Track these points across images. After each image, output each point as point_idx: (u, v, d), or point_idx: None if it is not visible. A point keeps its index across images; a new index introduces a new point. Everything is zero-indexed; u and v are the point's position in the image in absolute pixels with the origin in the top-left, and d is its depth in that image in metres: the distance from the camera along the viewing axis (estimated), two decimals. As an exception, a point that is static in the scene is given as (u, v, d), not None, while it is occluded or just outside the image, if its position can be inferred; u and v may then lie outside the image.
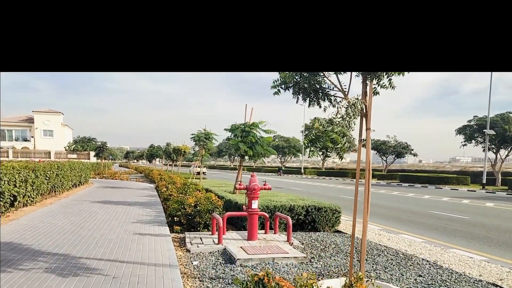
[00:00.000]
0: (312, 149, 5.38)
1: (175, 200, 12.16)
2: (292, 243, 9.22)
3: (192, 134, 24.14)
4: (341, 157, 5.59)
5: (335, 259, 8.11)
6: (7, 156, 56.33)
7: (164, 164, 57.48)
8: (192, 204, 10.95)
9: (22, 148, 67.93)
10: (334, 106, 6.22)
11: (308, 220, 11.50)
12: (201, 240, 9.22)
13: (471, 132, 42.68)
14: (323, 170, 68.64)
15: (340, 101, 5.92)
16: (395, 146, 58.12)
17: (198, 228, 10.52)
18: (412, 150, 58.46)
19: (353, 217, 6.10)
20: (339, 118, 5.54)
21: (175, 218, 10.93)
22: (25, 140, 72.02)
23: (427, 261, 8.26)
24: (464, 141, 43.61)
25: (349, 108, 5.57)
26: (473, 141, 42.98)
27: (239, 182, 9.56)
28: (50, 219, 11.52)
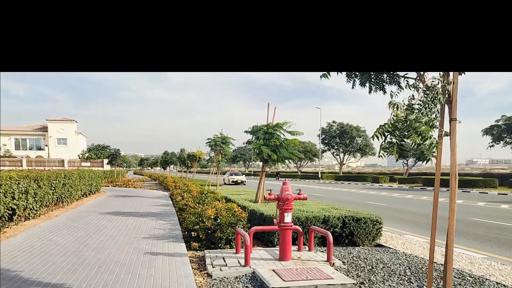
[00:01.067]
0: (386, 145, 3.88)
1: (191, 211, 10.70)
2: (334, 263, 7.69)
3: (208, 139, 22.80)
4: (427, 160, 4.10)
5: (390, 285, 6.56)
6: (21, 165, 55.69)
7: (178, 171, 56.32)
8: (212, 217, 9.50)
9: (36, 157, 67.39)
10: (402, 90, 4.77)
11: (345, 233, 9.96)
12: (224, 260, 7.75)
13: (499, 132, 40.54)
14: (341, 174, 66.81)
15: (414, 84, 4.45)
16: (415, 149, 55.86)
17: (219, 245, 9.06)
18: (434, 152, 56.06)
19: (431, 237, 4.62)
20: (418, 103, 4.08)
21: (192, 232, 9.47)
22: (39, 149, 71.56)
23: None
24: (492, 142, 41.51)
25: (430, 92, 4.10)
26: (501, 141, 40.85)
27: (269, 192, 8.07)
28: (50, 235, 10.16)
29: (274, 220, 7.92)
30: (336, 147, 71.06)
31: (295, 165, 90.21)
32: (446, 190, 37.65)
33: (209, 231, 9.23)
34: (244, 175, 49.66)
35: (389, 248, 9.79)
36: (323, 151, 71.83)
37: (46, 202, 14.11)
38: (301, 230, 8.59)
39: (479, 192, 34.06)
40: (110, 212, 15.39)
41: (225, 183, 43.64)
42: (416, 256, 8.91)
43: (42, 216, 13.76)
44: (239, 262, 7.59)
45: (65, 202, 17.19)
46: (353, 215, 10.07)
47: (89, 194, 22.46)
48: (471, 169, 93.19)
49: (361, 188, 40.69)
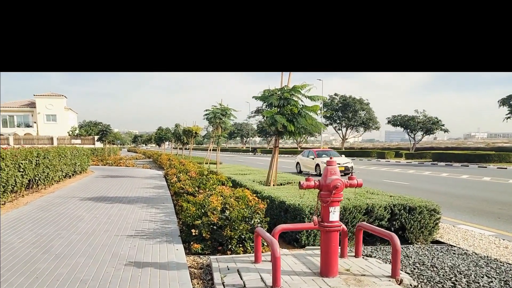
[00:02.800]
0: None
1: (191, 200, 8.22)
2: (402, 279, 5.27)
3: (206, 111, 20.20)
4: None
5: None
6: (8, 144, 52.91)
7: (173, 148, 53.78)
8: (218, 208, 7.05)
9: (24, 134, 64.60)
10: None
11: (395, 227, 7.55)
12: (240, 275, 5.34)
13: None
14: (343, 150, 64.44)
15: None
16: (424, 122, 53.53)
17: (230, 246, 6.66)
18: (443, 125, 53.75)
19: None
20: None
21: (193, 230, 7.03)
22: (28, 126, 68.52)
23: None
24: (509, 113, 39.03)
25: None
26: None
27: (307, 177, 5.54)
28: (6, 234, 7.69)
29: (314, 217, 5.44)
30: (338, 121, 68.32)
31: (294, 140, 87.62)
32: (461, 165, 35.41)
33: (215, 227, 6.80)
34: (350, 160, 27.82)
35: (452, 246, 7.41)
36: (325, 125, 68.91)
37: (13, 187, 11.59)
38: (346, 229, 6.13)
39: (497, 168, 31.77)
40: (92, 198, 12.91)
41: (300, 172, 27.62)
42: (497, 259, 6.52)
43: (7, 204, 11.26)
44: (262, 279, 5.16)
45: (42, 185, 14.68)
46: (403, 203, 7.66)
47: (73, 175, 19.94)
48: (473, 143, 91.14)
49: (369, 165, 38.35)
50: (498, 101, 40.19)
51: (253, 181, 12.77)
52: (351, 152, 59.16)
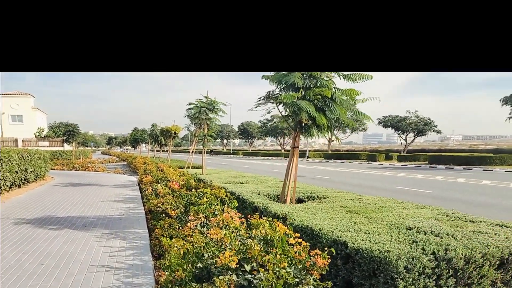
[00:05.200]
0: None
1: (178, 244, 4.65)
2: None
3: (189, 105, 16.67)
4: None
5: None
6: (-34, 146, 48.05)
7: (150, 150, 49.65)
8: (233, 265, 3.61)
9: (-13, 136, 59.50)
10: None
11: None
12: None
13: None
14: (330, 152, 61.49)
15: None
16: (416, 122, 50.81)
17: None
18: (435, 126, 51.18)
19: None
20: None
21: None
22: (-9, 127, 63.33)
23: None
24: (512, 112, 36.42)
25: None
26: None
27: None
28: None
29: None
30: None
31: (278, 142, 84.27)
32: (462, 169, 32.68)
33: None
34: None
35: None
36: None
37: None
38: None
39: (505, 171, 29.06)
40: (33, 220, 9.25)
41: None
42: None
43: None
44: None
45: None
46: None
47: (23, 183, 16.06)
48: (455, 145, 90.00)
49: (366, 168, 35.19)
50: (501, 100, 37.68)
51: (259, 194, 9.35)
52: (338, 155, 56.27)
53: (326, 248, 4.71)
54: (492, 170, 30.14)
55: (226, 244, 4.07)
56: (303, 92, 7.38)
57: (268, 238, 3.94)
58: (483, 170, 30.82)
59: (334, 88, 7.61)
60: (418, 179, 22.96)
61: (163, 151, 38.46)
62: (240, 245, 3.92)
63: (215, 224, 5.60)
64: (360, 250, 4.21)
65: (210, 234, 4.88)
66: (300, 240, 4.01)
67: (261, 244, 4.05)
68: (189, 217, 6.40)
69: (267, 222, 4.71)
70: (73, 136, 34.24)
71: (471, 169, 31.68)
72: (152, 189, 10.36)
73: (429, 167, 36.01)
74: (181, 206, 7.37)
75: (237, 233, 4.97)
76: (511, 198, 14.43)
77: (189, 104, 16.74)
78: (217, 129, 23.20)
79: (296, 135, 8.24)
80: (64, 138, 35.34)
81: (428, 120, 51.05)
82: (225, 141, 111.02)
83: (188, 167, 24.75)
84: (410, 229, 5.08)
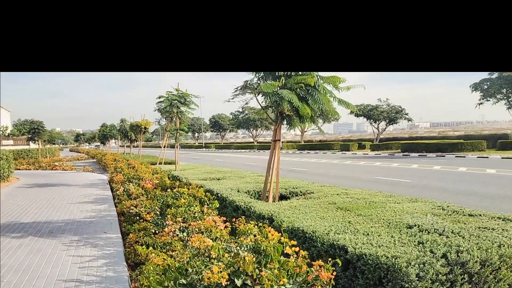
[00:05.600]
0: None
1: (164, 263, 4.08)
2: None
3: (160, 98, 15.97)
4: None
5: None
6: None
7: (120, 146, 48.30)
8: (223, 282, 3.10)
9: None
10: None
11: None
12: None
13: (496, 87, 35.36)
14: (303, 143, 61.46)
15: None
16: (388, 111, 51.09)
17: None
18: (407, 114, 51.66)
19: None
20: None
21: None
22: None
23: None
24: (483, 99, 36.97)
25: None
26: (490, 99, 36.28)
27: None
28: None
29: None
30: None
31: (251, 134, 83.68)
32: (435, 156, 32.99)
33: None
34: None
35: None
36: (283, 118, 64.55)
37: None
38: None
39: (478, 157, 29.45)
40: (-6, 227, 8.48)
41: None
42: None
43: None
44: None
45: None
46: None
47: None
48: (424, 132, 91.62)
49: (340, 158, 35.13)
50: (470, 86, 38.21)
51: (238, 192, 8.86)
52: (311, 146, 56.29)
53: (322, 254, 4.27)
54: (464, 157, 30.50)
55: (213, 256, 3.55)
56: (284, 81, 6.90)
57: (261, 248, 3.44)
58: (456, 156, 31.18)
59: (317, 76, 7.15)
60: (394, 168, 22.92)
61: (133, 146, 37.44)
62: (230, 257, 3.41)
63: (196, 229, 5.07)
64: (363, 255, 3.77)
65: (191, 242, 4.37)
66: (296, 249, 3.53)
67: (252, 254, 3.55)
68: (166, 221, 5.85)
69: (255, 227, 4.22)
70: (39, 133, 32.82)
71: (444, 156, 32.01)
72: (123, 189, 9.72)
73: (403, 155, 36.27)
74: (156, 208, 6.79)
75: (222, 241, 4.47)
76: (489, 185, 14.39)
77: (159, 97, 16.02)
78: (189, 123, 22.51)
79: (277, 127, 7.77)
80: (29, 136, 33.81)
81: (399, 108, 51.49)
82: (196, 134, 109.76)
83: (160, 163, 24.02)
84: (410, 228, 4.68)
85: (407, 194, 8.19)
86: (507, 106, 33.37)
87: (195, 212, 5.83)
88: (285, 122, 7.54)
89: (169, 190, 7.51)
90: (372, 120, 52.87)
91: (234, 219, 4.88)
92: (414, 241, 4.10)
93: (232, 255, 3.36)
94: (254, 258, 3.37)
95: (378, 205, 6.26)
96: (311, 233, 4.63)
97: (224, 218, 5.16)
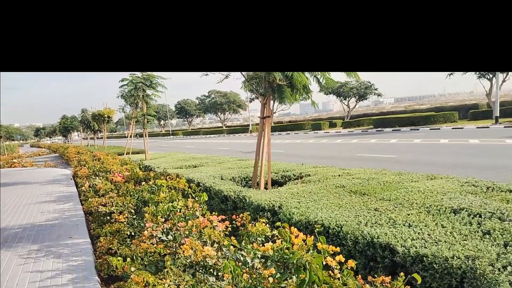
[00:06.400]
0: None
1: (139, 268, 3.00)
2: None
3: (122, 81, 14.58)
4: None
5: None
6: None
7: (83, 138, 46.03)
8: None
9: None
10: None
11: None
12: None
13: None
14: (273, 124, 60.61)
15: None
16: (357, 87, 50.54)
17: None
18: (376, 89, 51.29)
19: None
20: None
21: None
22: None
23: None
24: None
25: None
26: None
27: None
28: None
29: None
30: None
31: (219, 118, 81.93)
32: (410, 129, 32.73)
33: None
34: None
35: None
36: (251, 100, 63.32)
37: None
38: None
39: (452, 128, 29.30)
40: None
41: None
42: None
43: None
44: None
45: None
46: None
47: None
48: (391, 107, 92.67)
49: (315, 138, 34.41)
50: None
51: (222, 179, 7.82)
52: (282, 127, 55.54)
53: (356, 255, 3.29)
54: (439, 129, 30.30)
55: (225, 276, 2.50)
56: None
57: (294, 261, 2.40)
58: (430, 129, 30.94)
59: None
60: (374, 145, 22.32)
61: (97, 138, 35.61)
62: (250, 279, 2.36)
63: (186, 232, 4.00)
64: (423, 257, 2.79)
65: (182, 250, 3.32)
66: (341, 257, 2.51)
67: (274, 267, 2.52)
68: (145, 223, 4.74)
69: (266, 226, 3.20)
70: (-7, 130, 30.53)
71: (418, 129, 31.75)
72: (89, 185, 8.48)
73: (376, 131, 35.90)
74: (131, 205, 5.65)
75: (222, 246, 3.43)
76: (480, 156, 13.85)
77: (122, 80, 14.65)
78: (156, 108, 21.15)
79: (265, 101, 6.72)
80: (-17, 133, 31.48)
81: (369, 84, 51.09)
82: (162, 122, 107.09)
83: (128, 153, 22.61)
84: (456, 213, 3.76)
85: (400, 169, 7.36)
86: (478, 75, 33.38)
87: (179, 208, 4.73)
88: (276, 94, 6.48)
89: (143, 183, 6.35)
90: (342, 97, 52.40)
91: (233, 216, 3.85)
92: (476, 231, 3.17)
93: (254, 276, 2.31)
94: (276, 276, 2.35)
95: (395, 185, 5.34)
96: (336, 228, 3.63)
97: (224, 217, 4.09)
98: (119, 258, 3.95)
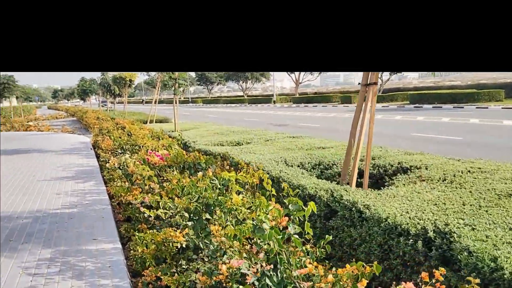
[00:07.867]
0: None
1: None
2: None
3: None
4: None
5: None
6: None
7: (102, 102, 44.33)
8: None
9: None
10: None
11: None
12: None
13: None
14: (297, 96, 58.28)
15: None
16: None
17: None
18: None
19: None
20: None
21: None
22: None
23: None
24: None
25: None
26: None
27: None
28: None
29: None
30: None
31: (240, 87, 79.49)
32: (452, 107, 30.26)
33: None
34: None
35: None
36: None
37: None
38: None
39: (502, 108, 26.73)
40: None
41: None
42: None
43: None
44: None
45: None
46: None
47: None
48: (418, 82, 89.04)
49: (349, 112, 32.02)
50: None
51: (288, 165, 5.99)
52: (307, 99, 53.21)
53: None
54: (487, 108, 27.73)
55: None
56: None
57: None
58: (476, 107, 28.40)
59: None
60: (422, 123, 20.13)
61: (117, 103, 33.98)
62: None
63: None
64: None
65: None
66: None
67: None
68: (221, 246, 2.92)
69: None
70: (9, 90, 29.00)
71: (463, 107, 29.20)
72: (118, 164, 6.67)
73: (414, 107, 33.41)
74: (184, 213, 3.78)
75: None
76: None
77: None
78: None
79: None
80: (-2, 93, 30.01)
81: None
82: (181, 88, 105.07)
83: (151, 121, 20.89)
84: None
85: (480, 156, 5.49)
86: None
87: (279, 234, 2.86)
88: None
89: (198, 173, 4.46)
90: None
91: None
92: None
93: None
94: None
95: None
96: None
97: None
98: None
